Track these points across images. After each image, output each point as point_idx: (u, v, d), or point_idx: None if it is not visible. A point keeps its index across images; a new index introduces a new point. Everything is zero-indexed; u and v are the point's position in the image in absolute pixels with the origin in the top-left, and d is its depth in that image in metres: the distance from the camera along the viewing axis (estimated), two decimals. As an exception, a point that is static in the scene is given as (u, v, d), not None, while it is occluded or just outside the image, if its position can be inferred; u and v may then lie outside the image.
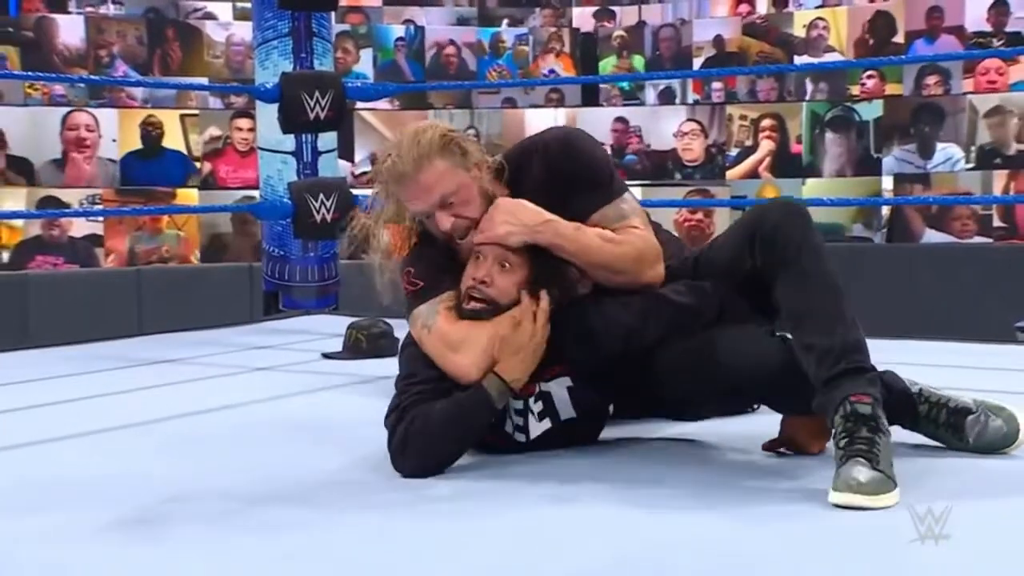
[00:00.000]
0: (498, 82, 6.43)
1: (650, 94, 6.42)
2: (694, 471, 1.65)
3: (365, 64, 6.34)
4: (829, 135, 5.98)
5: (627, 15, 6.72)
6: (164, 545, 1.35)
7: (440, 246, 1.76)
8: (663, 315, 1.69)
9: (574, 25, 6.74)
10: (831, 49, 6.07)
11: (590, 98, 6.49)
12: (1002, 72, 5.65)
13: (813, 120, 6.02)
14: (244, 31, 5.89)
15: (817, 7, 6.23)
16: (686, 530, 1.37)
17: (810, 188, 5.96)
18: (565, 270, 1.70)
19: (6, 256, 5.65)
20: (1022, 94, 5.60)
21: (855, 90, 6.01)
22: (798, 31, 6.17)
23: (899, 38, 5.90)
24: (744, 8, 6.46)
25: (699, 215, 6.01)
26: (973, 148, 5.70)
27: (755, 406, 1.93)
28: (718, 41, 6.33)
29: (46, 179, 5.76)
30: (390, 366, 1.92)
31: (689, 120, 6.20)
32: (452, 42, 6.48)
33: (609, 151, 5.38)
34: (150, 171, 5.91)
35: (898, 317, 4.58)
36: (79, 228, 5.77)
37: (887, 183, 5.87)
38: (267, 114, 3.82)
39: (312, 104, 3.54)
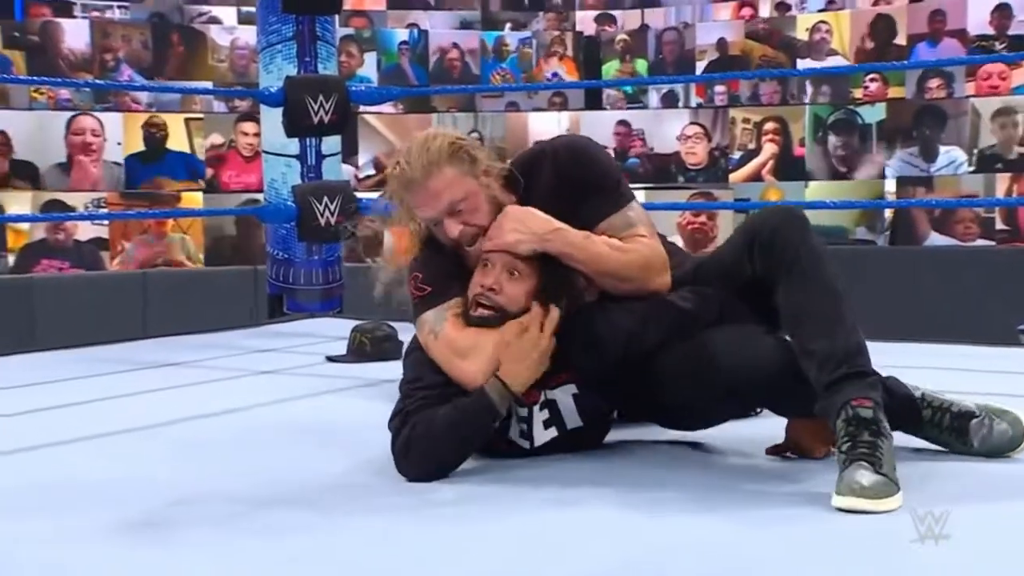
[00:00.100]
0: (501, 86, 6.44)
1: (653, 97, 6.42)
2: (697, 474, 1.65)
3: (369, 68, 6.35)
4: (832, 138, 5.98)
5: (630, 19, 6.73)
6: (169, 548, 1.36)
7: (447, 252, 1.77)
8: (663, 320, 1.69)
9: (577, 29, 6.75)
10: (834, 52, 6.07)
11: (593, 102, 6.49)
12: (1004, 77, 5.64)
13: (816, 123, 6.02)
14: (248, 35, 5.91)
15: (820, 11, 6.23)
16: (689, 533, 1.37)
17: (813, 191, 5.96)
18: (573, 278, 1.71)
19: (12, 260, 5.66)
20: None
21: (858, 93, 6.01)
22: (801, 35, 6.17)
23: (901, 41, 5.90)
24: (747, 12, 6.46)
25: (702, 218, 6.01)
26: (975, 151, 5.69)
27: (757, 410, 1.93)
28: (721, 45, 6.33)
29: (51, 183, 5.78)
30: (394, 369, 1.93)
31: (692, 123, 6.20)
32: (456, 46, 6.49)
33: (612, 154, 5.39)
34: (153, 173, 5.92)
35: (901, 320, 4.58)
36: (84, 232, 5.79)
37: (890, 186, 5.87)
38: (271, 118, 3.83)
39: (316, 108, 3.55)
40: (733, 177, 6.16)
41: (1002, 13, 5.66)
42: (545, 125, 6.17)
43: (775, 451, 1.74)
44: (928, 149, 5.77)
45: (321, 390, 2.51)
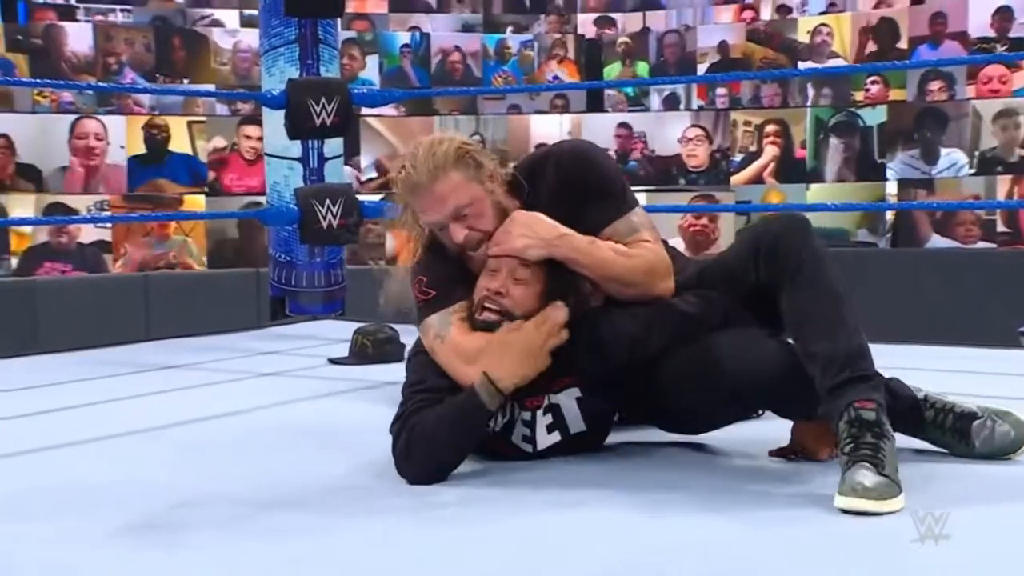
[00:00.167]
0: (503, 88, 6.45)
1: (655, 100, 6.43)
2: (699, 476, 1.66)
3: (371, 70, 6.37)
4: (833, 140, 5.98)
5: (631, 21, 6.74)
6: (172, 550, 1.36)
7: (451, 257, 1.77)
8: (667, 324, 1.70)
9: (579, 31, 6.76)
10: (835, 55, 6.08)
11: (595, 104, 6.50)
12: (1005, 80, 5.65)
13: (817, 125, 6.02)
14: (251, 38, 5.92)
15: (821, 13, 6.24)
16: (691, 534, 1.38)
17: (814, 193, 5.97)
18: (578, 283, 1.72)
19: (15, 262, 5.68)
20: (1024, 100, 5.61)
21: (859, 96, 6.02)
22: (802, 37, 6.18)
23: (903, 44, 5.91)
24: (748, 14, 6.47)
25: (704, 220, 6.01)
26: (977, 153, 5.70)
27: (760, 412, 1.94)
28: (722, 47, 6.34)
29: (54, 186, 5.79)
30: (396, 371, 1.93)
31: (693, 126, 6.21)
32: (457, 48, 6.50)
33: (613, 156, 5.38)
34: (155, 176, 5.93)
35: (902, 322, 4.59)
36: (87, 234, 5.80)
37: (891, 188, 5.87)
38: (274, 120, 3.84)
39: (318, 110, 3.56)
40: (734, 179, 6.17)
41: (1003, 15, 5.66)
42: (547, 128, 6.18)
43: (779, 453, 1.74)
44: (929, 151, 5.78)
45: (323, 392, 2.51)
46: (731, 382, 1.62)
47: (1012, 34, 5.63)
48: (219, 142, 6.02)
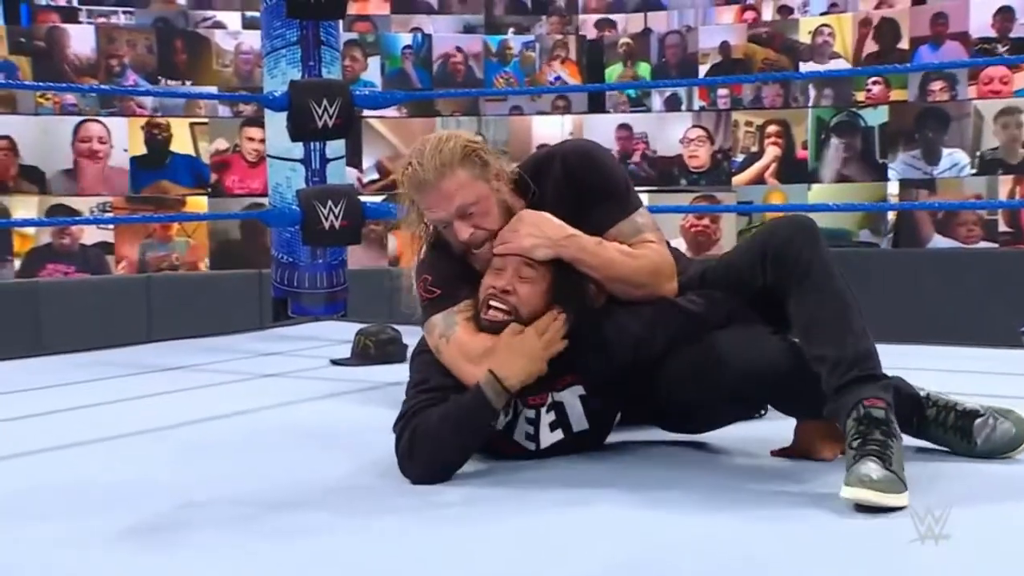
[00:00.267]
0: (505, 89, 6.46)
1: (656, 101, 6.44)
2: (701, 474, 1.66)
3: (373, 72, 6.37)
4: (834, 141, 5.98)
5: (633, 22, 6.75)
6: (175, 550, 1.37)
7: (455, 255, 1.77)
8: (671, 324, 1.71)
9: (580, 32, 6.77)
10: (836, 56, 6.08)
11: (597, 105, 6.51)
12: (1006, 81, 5.64)
13: (819, 126, 6.02)
14: (253, 40, 5.93)
15: (822, 14, 6.24)
16: (692, 532, 1.38)
17: (815, 194, 5.97)
18: (584, 283, 1.72)
19: (18, 264, 5.69)
20: (1026, 100, 5.61)
21: (860, 96, 6.02)
22: (803, 38, 6.18)
23: (904, 44, 5.91)
24: (750, 15, 6.47)
25: (705, 221, 6.01)
26: (978, 153, 5.70)
27: (762, 412, 1.94)
28: (724, 48, 6.34)
29: (57, 188, 5.80)
30: (399, 372, 1.94)
31: (695, 127, 6.21)
32: (459, 50, 6.50)
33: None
34: (157, 178, 5.93)
35: (904, 322, 4.59)
36: (90, 236, 5.81)
37: (893, 188, 5.87)
38: (276, 122, 3.85)
39: (320, 112, 3.57)
40: (736, 180, 6.17)
41: (1004, 16, 5.66)
42: (548, 129, 6.18)
43: (781, 453, 1.74)
44: (931, 151, 5.78)
45: (325, 393, 2.52)
46: (734, 378, 1.63)
47: (1013, 34, 5.63)
48: (221, 144, 6.03)
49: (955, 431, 1.68)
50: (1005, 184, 5.62)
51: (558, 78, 6.52)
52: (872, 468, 1.42)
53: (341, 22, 4.17)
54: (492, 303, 1.70)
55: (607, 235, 1.75)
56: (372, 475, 1.70)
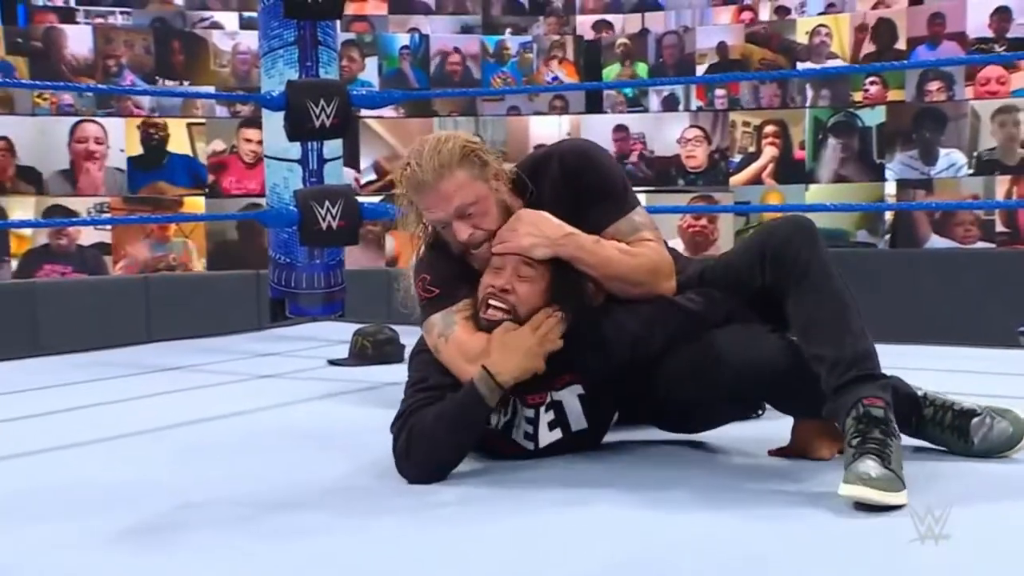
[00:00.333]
0: (502, 89, 6.46)
1: (654, 101, 6.44)
2: (699, 474, 1.66)
3: (370, 72, 6.37)
4: (832, 141, 5.99)
5: (630, 22, 6.75)
6: (173, 551, 1.37)
7: (454, 255, 1.78)
8: (669, 323, 1.71)
9: (578, 33, 6.77)
10: (833, 56, 6.09)
11: (594, 105, 6.51)
12: (1003, 81, 5.65)
13: (816, 126, 6.03)
14: (250, 40, 5.93)
15: (819, 14, 6.25)
16: (691, 532, 1.38)
17: (813, 194, 5.98)
18: (582, 282, 1.73)
19: (15, 265, 5.68)
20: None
21: (858, 96, 6.03)
22: (800, 38, 6.19)
23: (901, 44, 5.92)
24: (747, 15, 6.48)
25: (703, 221, 6.02)
26: (975, 153, 5.71)
27: (759, 412, 1.94)
28: (721, 48, 6.35)
29: (54, 188, 5.80)
30: (396, 372, 1.94)
31: (692, 127, 6.22)
32: (457, 50, 6.51)
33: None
34: (154, 179, 5.93)
35: (901, 322, 4.59)
36: (87, 236, 5.80)
37: (890, 188, 5.88)
38: (273, 122, 3.85)
39: (318, 112, 3.57)
40: (733, 180, 6.18)
41: (1001, 16, 5.67)
42: (546, 129, 6.19)
43: (779, 453, 1.74)
44: (928, 152, 5.79)
45: (323, 394, 2.52)
46: (733, 376, 1.63)
47: (1010, 34, 5.64)
48: (218, 145, 6.03)
49: (952, 430, 1.68)
50: (1002, 184, 5.63)
51: (555, 78, 6.52)
52: (871, 466, 1.42)
53: (338, 22, 4.18)
54: (491, 302, 1.70)
55: (605, 234, 1.75)
56: (370, 476, 1.70)
